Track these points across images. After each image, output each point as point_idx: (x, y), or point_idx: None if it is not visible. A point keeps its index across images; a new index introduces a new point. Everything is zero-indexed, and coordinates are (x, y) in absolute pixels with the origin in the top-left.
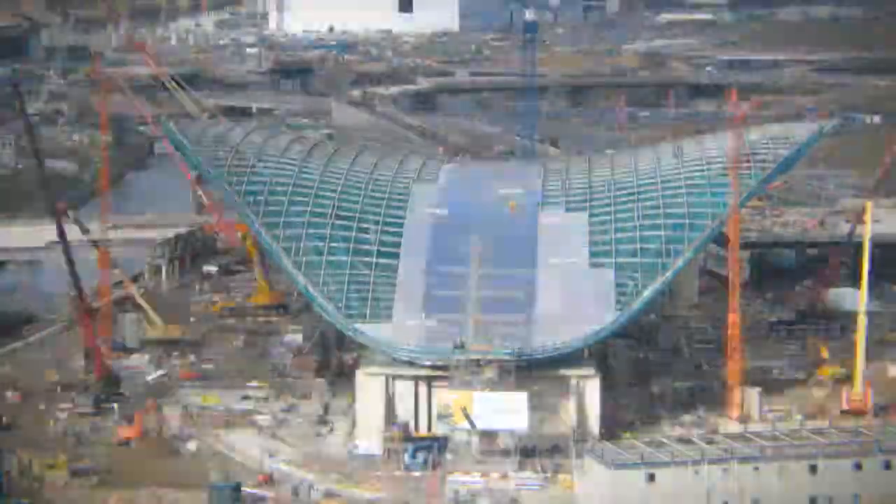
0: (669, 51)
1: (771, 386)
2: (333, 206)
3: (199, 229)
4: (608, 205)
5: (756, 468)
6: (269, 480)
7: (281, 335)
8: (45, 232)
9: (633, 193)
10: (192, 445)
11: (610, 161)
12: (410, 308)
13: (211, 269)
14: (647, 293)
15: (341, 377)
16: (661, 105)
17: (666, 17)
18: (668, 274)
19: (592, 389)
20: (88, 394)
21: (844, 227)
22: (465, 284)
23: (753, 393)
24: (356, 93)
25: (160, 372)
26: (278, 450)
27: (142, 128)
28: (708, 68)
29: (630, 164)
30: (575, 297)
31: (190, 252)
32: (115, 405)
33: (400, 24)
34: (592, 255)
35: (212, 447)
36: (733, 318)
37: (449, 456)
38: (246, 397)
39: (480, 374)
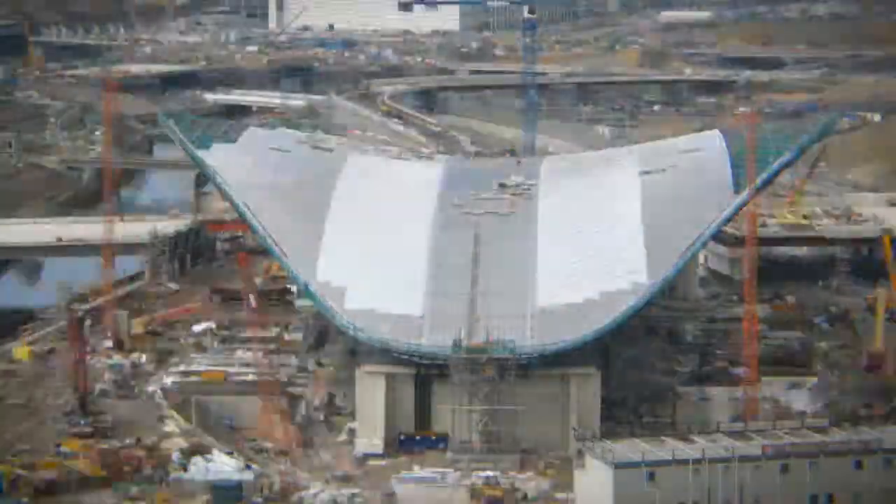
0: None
1: None
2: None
3: (199, 227)
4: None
5: (757, 466)
6: None
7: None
8: (46, 231)
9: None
10: None
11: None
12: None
13: None
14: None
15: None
16: (661, 102)
17: (667, 14)
18: (669, 271)
19: (593, 387)
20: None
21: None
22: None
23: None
24: (357, 91)
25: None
26: None
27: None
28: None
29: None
30: (580, 293)
31: (190, 251)
32: None
33: (400, 22)
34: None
35: None
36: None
37: (449, 454)
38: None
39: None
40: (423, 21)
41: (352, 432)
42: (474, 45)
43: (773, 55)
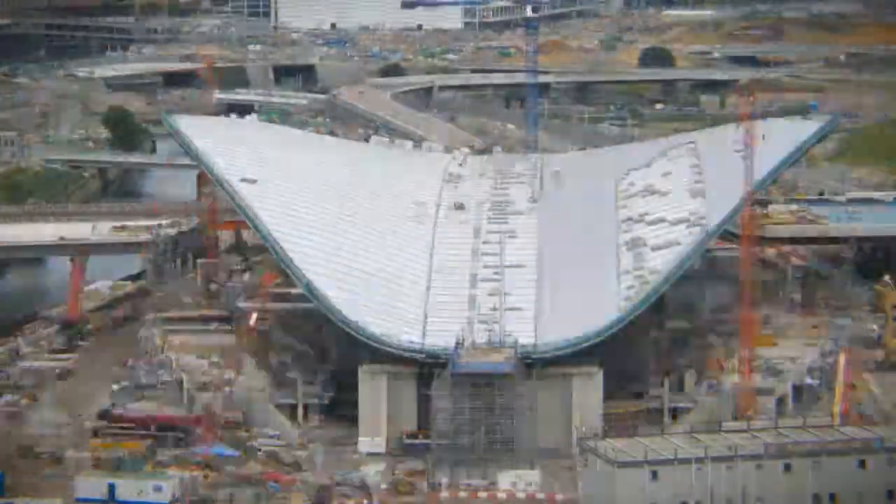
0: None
1: None
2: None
3: (201, 227)
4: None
5: (759, 466)
6: None
7: None
8: (48, 230)
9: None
10: None
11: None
12: (413, 301)
13: None
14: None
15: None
16: (663, 101)
17: (669, 13)
18: (674, 269)
19: (595, 386)
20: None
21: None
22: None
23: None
24: (358, 88)
25: None
26: None
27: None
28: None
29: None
30: (581, 292)
31: (192, 250)
32: None
33: (402, 20)
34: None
35: None
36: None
37: None
38: None
39: None
40: (424, 19)
41: None
42: (475, 43)
43: (776, 54)
